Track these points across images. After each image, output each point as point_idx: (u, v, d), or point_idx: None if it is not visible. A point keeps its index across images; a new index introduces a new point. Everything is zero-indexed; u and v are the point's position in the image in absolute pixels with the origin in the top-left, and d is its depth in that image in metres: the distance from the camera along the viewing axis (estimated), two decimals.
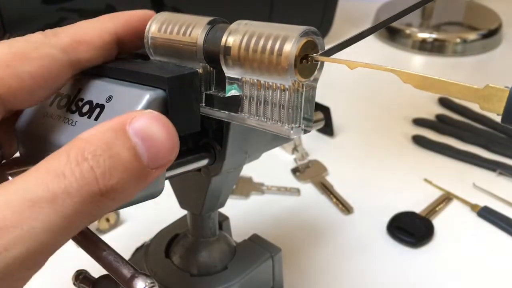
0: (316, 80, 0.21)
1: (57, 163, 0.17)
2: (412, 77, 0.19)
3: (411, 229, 0.46)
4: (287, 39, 0.20)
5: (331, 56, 0.21)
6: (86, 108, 0.22)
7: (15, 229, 0.16)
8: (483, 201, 0.50)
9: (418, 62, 0.81)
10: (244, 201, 0.51)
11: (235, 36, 0.21)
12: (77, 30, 0.23)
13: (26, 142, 0.24)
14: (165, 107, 0.21)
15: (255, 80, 0.21)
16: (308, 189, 0.53)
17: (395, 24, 0.84)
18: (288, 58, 0.20)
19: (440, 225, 0.48)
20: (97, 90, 0.23)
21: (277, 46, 0.20)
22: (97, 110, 0.22)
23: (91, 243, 0.21)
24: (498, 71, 0.75)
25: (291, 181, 0.54)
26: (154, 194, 0.23)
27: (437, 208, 0.50)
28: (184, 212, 0.35)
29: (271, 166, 0.56)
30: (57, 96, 0.24)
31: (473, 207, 0.50)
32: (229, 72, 0.22)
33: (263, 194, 0.52)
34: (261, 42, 0.20)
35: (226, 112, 0.23)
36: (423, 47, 0.81)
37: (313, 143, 0.59)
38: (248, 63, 0.21)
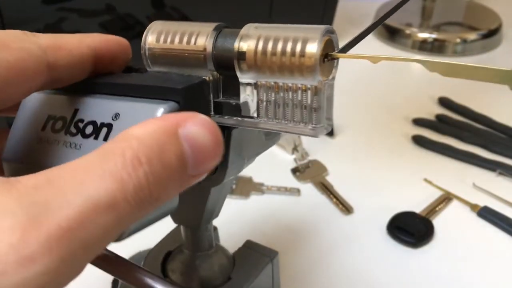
0: (333, 78, 0.21)
1: (113, 165, 0.16)
2: (437, 65, 0.19)
3: (411, 229, 0.46)
4: (309, 39, 0.20)
5: (348, 52, 0.21)
6: (89, 129, 0.21)
7: (81, 232, 0.15)
8: (483, 201, 0.50)
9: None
10: (244, 201, 0.51)
11: (249, 41, 0.21)
12: (56, 37, 0.22)
13: (18, 173, 0.22)
14: None
15: (272, 83, 0.21)
16: (308, 189, 0.53)
17: (395, 24, 0.83)
18: (314, 59, 0.19)
19: (440, 225, 0.48)
20: (98, 109, 0.21)
21: (298, 48, 0.20)
22: (104, 130, 0.21)
23: (121, 267, 0.20)
24: None
25: (291, 181, 0.54)
26: (168, 212, 0.22)
27: (437, 208, 0.50)
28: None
29: (271, 166, 0.56)
30: (50, 119, 0.22)
31: (473, 207, 0.50)
32: (243, 77, 0.22)
33: (263, 194, 0.52)
34: (280, 45, 0.20)
35: (239, 118, 0.22)
36: (423, 47, 0.81)
37: (313, 143, 0.59)
38: (266, 67, 0.20)
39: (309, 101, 0.21)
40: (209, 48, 0.22)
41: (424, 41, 0.81)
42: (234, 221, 0.49)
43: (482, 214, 0.49)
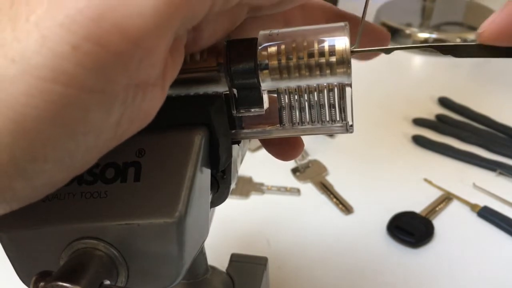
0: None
1: None
2: (449, 49, 0.19)
3: (411, 229, 0.46)
4: (336, 37, 0.19)
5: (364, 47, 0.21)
6: (111, 173, 0.19)
7: None
8: (483, 201, 0.50)
9: (418, 62, 0.81)
10: (244, 201, 0.51)
11: (269, 48, 0.20)
12: None
13: (24, 241, 0.19)
14: (209, 144, 0.19)
15: (294, 88, 0.21)
16: (308, 189, 0.53)
17: (395, 24, 0.83)
18: (346, 55, 0.19)
19: (440, 225, 0.48)
20: (113, 149, 0.19)
21: (326, 47, 0.19)
22: (132, 169, 0.19)
23: None
24: (498, 71, 0.75)
25: (291, 181, 0.54)
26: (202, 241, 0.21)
27: (437, 208, 0.50)
28: None
29: (271, 166, 0.56)
30: None
31: (473, 207, 0.50)
32: (266, 86, 0.21)
33: (263, 194, 0.52)
34: (305, 47, 0.20)
35: (266, 129, 0.22)
36: None
37: (313, 143, 0.59)
38: (293, 71, 0.20)
39: (336, 99, 0.21)
40: (224, 62, 0.20)
41: (424, 41, 0.81)
42: (234, 221, 0.49)
43: (482, 214, 0.49)
